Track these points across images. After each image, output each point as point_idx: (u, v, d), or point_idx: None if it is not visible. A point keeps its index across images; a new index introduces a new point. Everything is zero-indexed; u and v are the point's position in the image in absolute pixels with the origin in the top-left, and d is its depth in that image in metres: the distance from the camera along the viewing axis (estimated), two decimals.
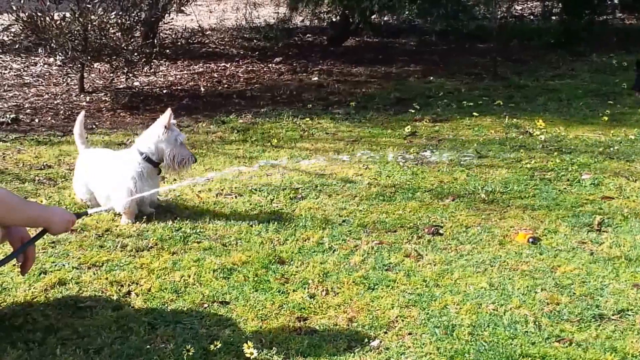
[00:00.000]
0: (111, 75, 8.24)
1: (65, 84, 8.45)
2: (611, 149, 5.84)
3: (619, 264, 3.74)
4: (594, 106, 7.41)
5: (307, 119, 6.94)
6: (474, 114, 7.03)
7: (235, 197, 4.77)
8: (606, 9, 12.22)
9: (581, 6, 10.94)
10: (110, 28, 7.50)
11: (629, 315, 3.24)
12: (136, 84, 8.53)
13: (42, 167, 5.38)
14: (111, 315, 3.19)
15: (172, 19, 10.09)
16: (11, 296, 3.34)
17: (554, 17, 12.10)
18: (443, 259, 3.82)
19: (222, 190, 4.86)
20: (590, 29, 11.06)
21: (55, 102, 7.62)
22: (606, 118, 6.74)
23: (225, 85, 8.72)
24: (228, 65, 9.91)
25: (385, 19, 12.42)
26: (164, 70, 9.54)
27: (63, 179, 5.08)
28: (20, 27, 7.58)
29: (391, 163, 5.50)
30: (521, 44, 11.13)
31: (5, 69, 9.26)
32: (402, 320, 3.17)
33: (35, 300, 3.32)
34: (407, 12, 9.65)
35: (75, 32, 7.24)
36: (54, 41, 7.28)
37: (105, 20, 7.36)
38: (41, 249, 3.77)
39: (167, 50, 10.41)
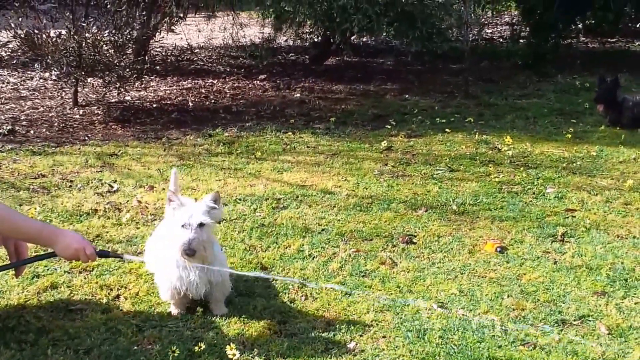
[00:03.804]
0: (104, 89, 8.18)
1: (59, 97, 8.40)
2: (574, 164, 5.90)
3: (581, 272, 3.77)
4: (558, 124, 7.48)
5: (290, 133, 6.95)
6: (447, 130, 7.07)
7: None
8: (571, 33, 12.35)
9: (547, 30, 11.04)
10: (104, 45, 7.47)
11: (590, 320, 3.27)
12: (127, 98, 8.49)
13: (37, 176, 5.34)
14: (101, 317, 3.17)
15: (163, 37, 10.08)
16: (5, 299, 3.32)
17: (522, 40, 12.17)
18: (416, 266, 3.84)
19: None
20: (556, 52, 11.16)
21: (50, 114, 7.56)
22: (570, 135, 6.81)
23: (212, 101, 8.70)
24: (215, 82, 9.89)
25: (364, 39, 12.46)
26: (154, 85, 9.50)
27: (56, 188, 5.05)
28: (18, 44, 7.56)
29: (368, 176, 5.52)
30: (491, 65, 11.21)
31: (3, 83, 9.19)
32: (377, 324, 3.18)
33: (28, 302, 3.30)
34: (384, 34, 9.67)
35: (70, 48, 7.21)
36: (49, 57, 7.24)
37: (99, 38, 7.34)
38: (33, 253, 3.73)
39: (158, 67, 10.41)
